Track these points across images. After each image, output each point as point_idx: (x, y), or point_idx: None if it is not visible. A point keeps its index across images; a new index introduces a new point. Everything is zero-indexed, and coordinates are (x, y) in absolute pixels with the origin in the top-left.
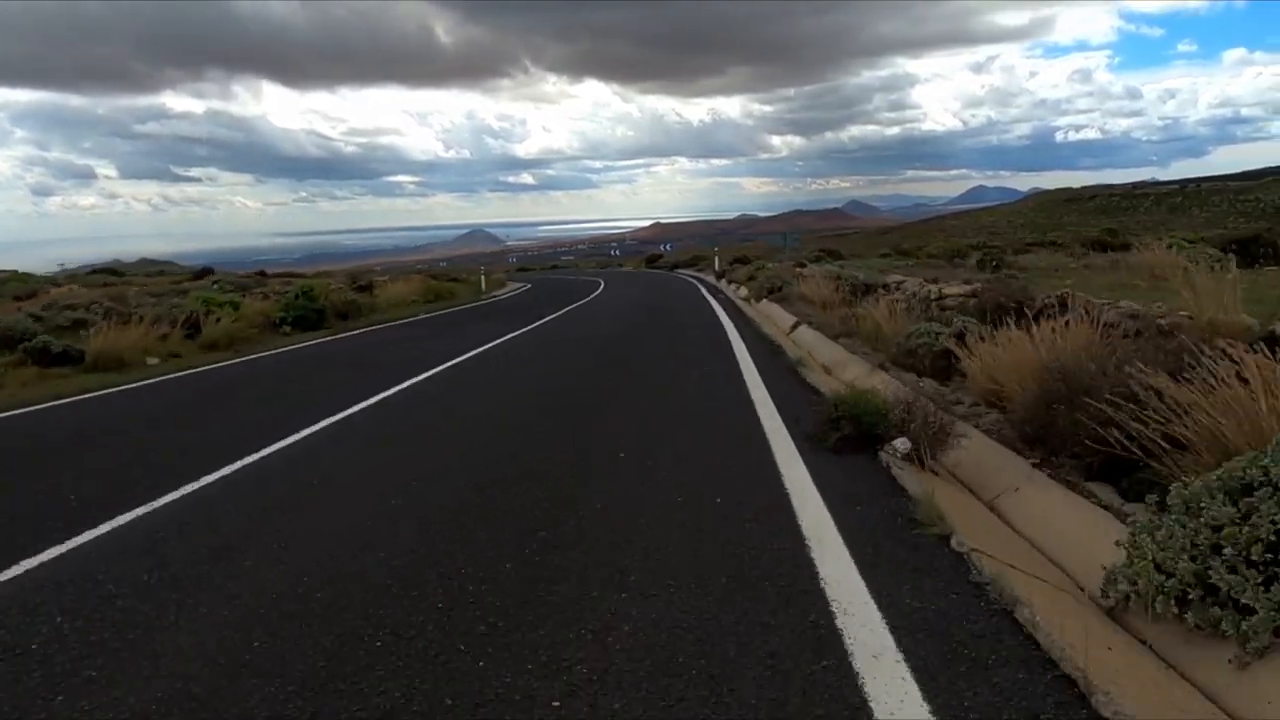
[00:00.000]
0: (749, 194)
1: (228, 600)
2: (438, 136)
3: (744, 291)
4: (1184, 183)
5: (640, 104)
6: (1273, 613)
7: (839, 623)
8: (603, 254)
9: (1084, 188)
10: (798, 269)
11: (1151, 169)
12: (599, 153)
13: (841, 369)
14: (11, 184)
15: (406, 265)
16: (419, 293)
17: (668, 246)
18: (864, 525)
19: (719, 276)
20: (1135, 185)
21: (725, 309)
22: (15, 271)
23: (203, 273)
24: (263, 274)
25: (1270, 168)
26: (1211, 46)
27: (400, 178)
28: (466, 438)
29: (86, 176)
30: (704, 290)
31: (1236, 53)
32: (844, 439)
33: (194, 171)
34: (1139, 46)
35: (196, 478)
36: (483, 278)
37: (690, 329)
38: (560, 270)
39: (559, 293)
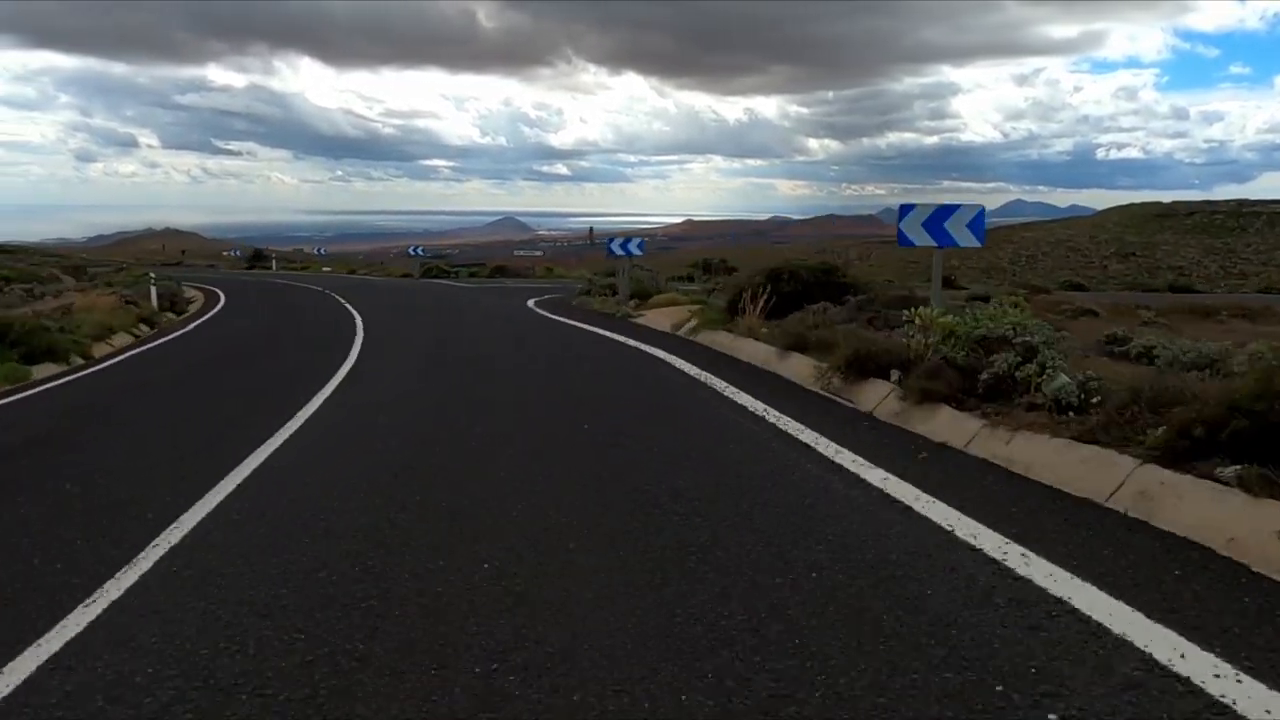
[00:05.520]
0: (782, 196)
1: None
2: (474, 122)
3: None
4: None
5: (676, 99)
6: None
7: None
8: (604, 249)
9: (1176, 202)
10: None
11: (1192, 191)
12: (633, 146)
13: None
14: (55, 149)
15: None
16: None
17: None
18: None
19: None
20: (1241, 203)
21: None
22: None
23: None
24: None
25: None
26: (1264, 69)
27: (435, 161)
28: None
29: (128, 144)
30: None
31: None
32: None
33: (233, 145)
34: (1190, 66)
35: None
36: None
37: None
38: (473, 285)
39: None
